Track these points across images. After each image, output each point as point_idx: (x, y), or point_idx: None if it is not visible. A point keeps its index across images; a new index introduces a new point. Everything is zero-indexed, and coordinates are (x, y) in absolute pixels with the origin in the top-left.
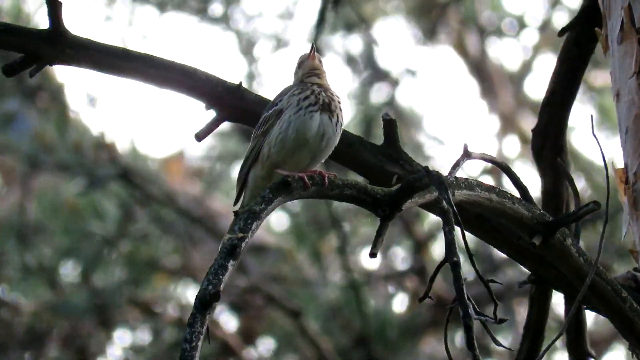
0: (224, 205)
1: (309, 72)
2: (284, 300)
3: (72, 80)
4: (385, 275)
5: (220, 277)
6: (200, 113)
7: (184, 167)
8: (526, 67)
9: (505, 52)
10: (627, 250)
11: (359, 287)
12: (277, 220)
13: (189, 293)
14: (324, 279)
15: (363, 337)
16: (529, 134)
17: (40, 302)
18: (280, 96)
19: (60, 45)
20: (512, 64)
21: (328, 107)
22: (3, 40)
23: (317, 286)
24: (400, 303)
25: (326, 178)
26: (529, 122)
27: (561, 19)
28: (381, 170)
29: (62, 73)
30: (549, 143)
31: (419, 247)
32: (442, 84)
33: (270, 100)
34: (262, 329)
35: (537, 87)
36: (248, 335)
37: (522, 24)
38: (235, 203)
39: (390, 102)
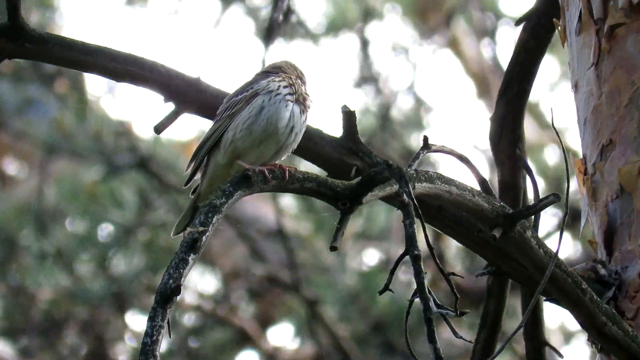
0: None
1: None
2: (301, 288)
3: None
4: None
5: (181, 270)
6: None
7: None
8: None
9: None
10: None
11: (377, 274)
12: (290, 203)
13: (206, 280)
14: (342, 266)
15: (380, 323)
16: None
17: (58, 288)
18: (254, 83)
19: (19, 39)
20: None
21: (303, 101)
22: None
23: (335, 272)
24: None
25: (287, 172)
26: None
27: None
28: (340, 162)
29: None
30: (506, 132)
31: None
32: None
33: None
34: (279, 315)
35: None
36: (265, 322)
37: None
38: (187, 184)
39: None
